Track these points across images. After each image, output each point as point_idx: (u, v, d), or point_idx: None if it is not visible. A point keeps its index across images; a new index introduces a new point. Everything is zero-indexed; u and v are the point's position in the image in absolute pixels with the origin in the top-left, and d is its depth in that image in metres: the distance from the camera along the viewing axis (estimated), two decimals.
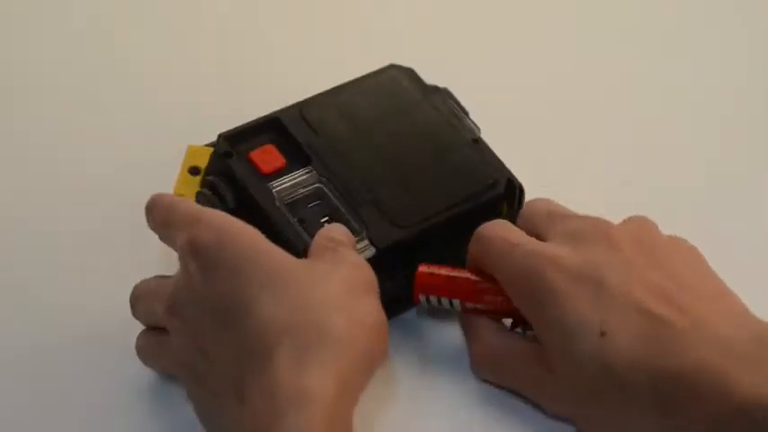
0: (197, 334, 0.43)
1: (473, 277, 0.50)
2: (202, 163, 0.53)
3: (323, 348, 0.40)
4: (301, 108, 0.54)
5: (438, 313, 0.53)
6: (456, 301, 0.50)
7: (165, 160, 0.55)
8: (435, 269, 0.50)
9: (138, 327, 0.49)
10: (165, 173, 0.54)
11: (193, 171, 0.53)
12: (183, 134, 0.55)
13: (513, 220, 0.52)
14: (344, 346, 0.41)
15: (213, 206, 0.50)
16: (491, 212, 0.53)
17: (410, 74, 0.57)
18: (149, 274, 0.49)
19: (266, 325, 0.41)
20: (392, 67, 0.57)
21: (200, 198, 0.51)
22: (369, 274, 0.45)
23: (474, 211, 0.52)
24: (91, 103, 0.63)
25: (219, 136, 0.53)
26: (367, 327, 0.42)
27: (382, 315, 0.44)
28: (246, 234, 0.44)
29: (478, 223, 0.50)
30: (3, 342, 0.52)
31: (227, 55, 0.66)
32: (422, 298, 0.50)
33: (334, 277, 0.43)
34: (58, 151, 0.60)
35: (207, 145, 0.54)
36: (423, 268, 0.50)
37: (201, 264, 0.43)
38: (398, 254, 0.51)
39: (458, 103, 0.57)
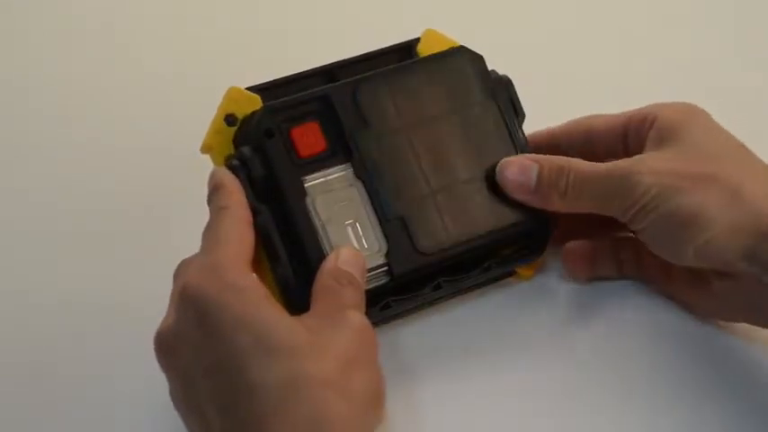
0: (186, 381, 0.42)
1: None
2: (241, 112, 0.51)
3: None
4: (356, 88, 0.51)
5: None
6: None
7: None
8: None
9: None
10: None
11: (230, 120, 0.51)
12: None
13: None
14: (341, 429, 0.40)
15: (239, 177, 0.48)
16: (514, 244, 0.53)
17: (478, 62, 0.53)
18: None
19: (259, 396, 0.40)
20: (461, 51, 0.53)
21: (228, 166, 0.49)
22: (369, 341, 0.43)
23: (497, 244, 0.52)
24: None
25: (264, 107, 0.50)
26: (364, 402, 0.41)
27: (380, 382, 0.43)
28: (248, 292, 0.42)
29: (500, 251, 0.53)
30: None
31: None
32: None
33: (332, 347, 0.42)
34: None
35: (249, 89, 0.52)
36: None
37: (198, 317, 0.42)
38: (413, 278, 0.50)
39: (516, 102, 0.54)
